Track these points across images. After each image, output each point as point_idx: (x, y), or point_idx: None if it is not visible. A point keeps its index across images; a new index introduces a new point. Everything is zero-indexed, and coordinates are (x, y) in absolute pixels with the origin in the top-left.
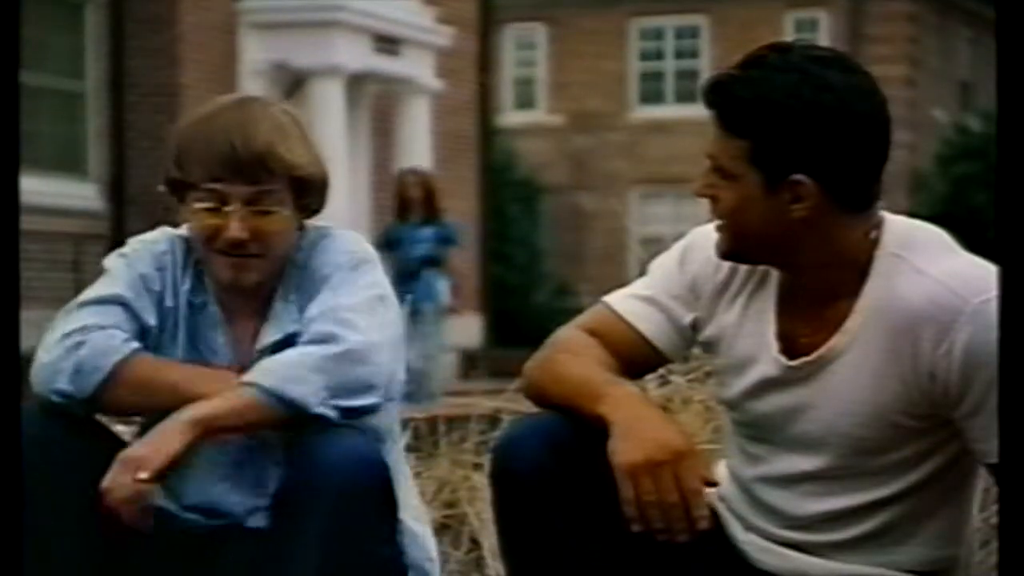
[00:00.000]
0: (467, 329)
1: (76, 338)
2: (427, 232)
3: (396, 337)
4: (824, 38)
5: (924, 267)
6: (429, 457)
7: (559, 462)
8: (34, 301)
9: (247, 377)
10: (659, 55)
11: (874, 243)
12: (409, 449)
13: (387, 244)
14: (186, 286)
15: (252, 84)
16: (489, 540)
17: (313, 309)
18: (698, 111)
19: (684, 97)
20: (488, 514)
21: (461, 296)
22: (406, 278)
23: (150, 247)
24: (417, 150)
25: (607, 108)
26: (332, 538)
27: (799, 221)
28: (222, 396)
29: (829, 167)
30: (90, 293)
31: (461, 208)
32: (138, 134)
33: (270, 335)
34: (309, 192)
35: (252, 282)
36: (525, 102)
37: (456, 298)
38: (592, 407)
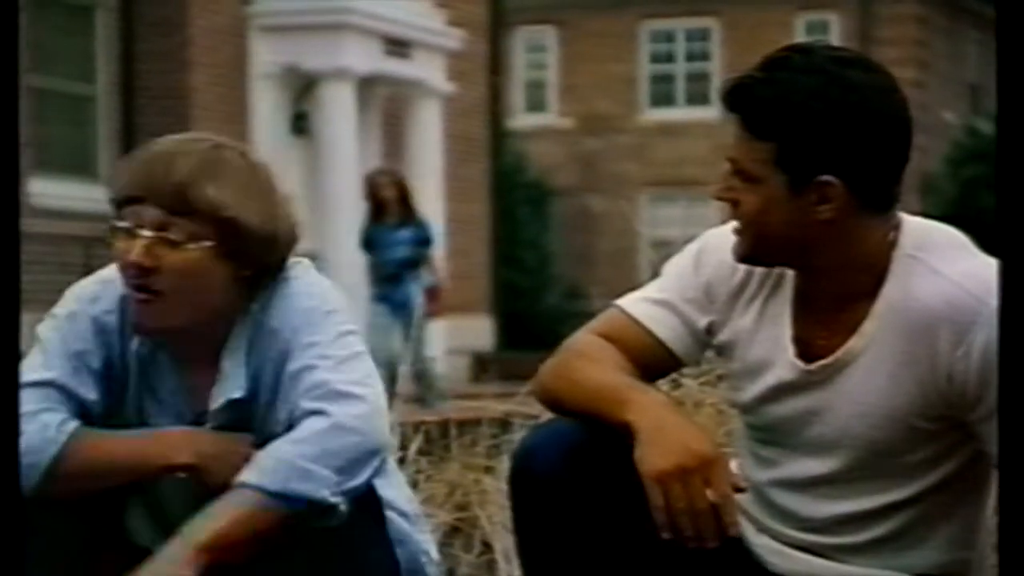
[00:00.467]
0: (478, 332)
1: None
2: (404, 234)
3: (377, 381)
4: (834, 40)
5: (941, 268)
6: (440, 461)
7: (578, 467)
8: (44, 304)
9: (246, 478)
10: (669, 58)
11: (892, 244)
12: (420, 452)
13: (366, 246)
14: (133, 343)
15: (262, 87)
16: (501, 543)
17: (290, 386)
18: (708, 113)
19: (694, 100)
20: (499, 517)
21: (440, 298)
22: (386, 281)
23: (88, 309)
24: (427, 153)
25: (617, 111)
26: (320, 545)
27: (824, 223)
28: (223, 510)
29: (856, 167)
30: (23, 373)
31: (471, 211)
32: (148, 137)
33: (215, 397)
34: (241, 240)
35: (156, 325)
36: (535, 105)
37: (435, 301)
38: (616, 413)
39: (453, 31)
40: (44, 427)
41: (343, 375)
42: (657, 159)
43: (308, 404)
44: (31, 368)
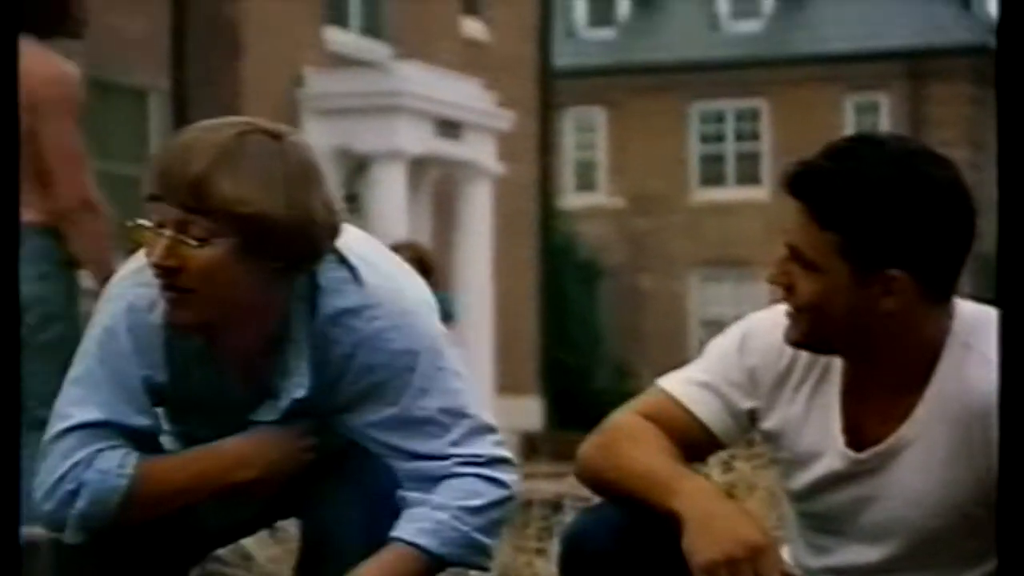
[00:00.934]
0: (527, 411)
1: (68, 486)
2: None
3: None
4: (884, 121)
5: (993, 356)
6: None
7: (628, 552)
8: None
9: (415, 538)
10: (719, 137)
11: (945, 331)
12: None
13: None
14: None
15: None
16: None
17: (403, 425)
18: (758, 193)
19: (744, 179)
20: None
21: None
22: None
23: (123, 323)
24: (478, 232)
25: (667, 190)
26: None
27: (885, 314)
28: (390, 570)
29: (922, 260)
30: (69, 412)
31: (521, 290)
32: None
33: (280, 392)
34: (266, 234)
35: (188, 322)
36: (585, 184)
37: None
38: (663, 501)
39: (503, 112)
40: (104, 475)
41: (491, 436)
42: (707, 238)
43: (474, 469)
44: (75, 405)
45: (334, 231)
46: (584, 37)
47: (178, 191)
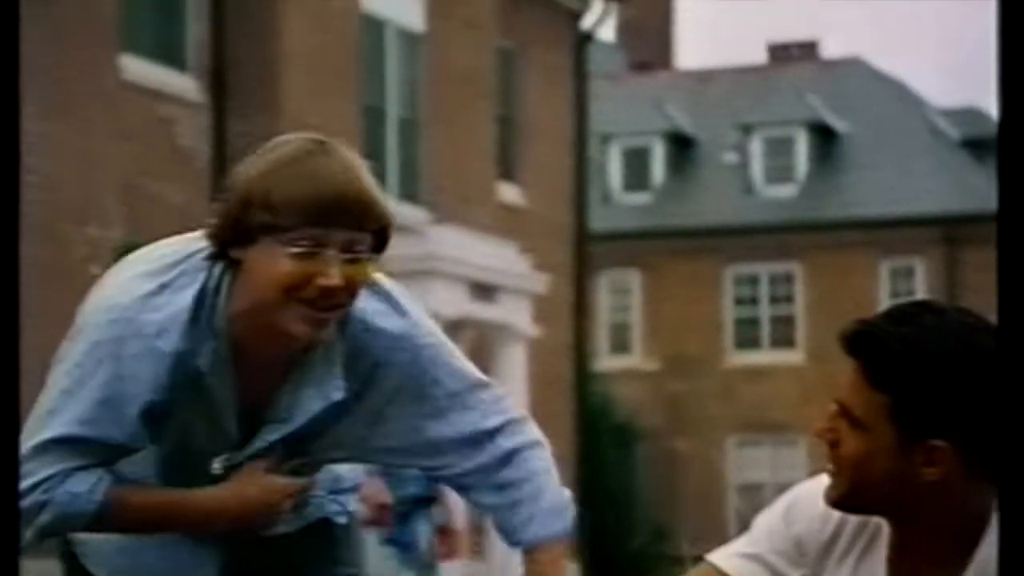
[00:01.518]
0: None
1: (38, 496)
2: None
3: None
4: (920, 286)
5: None
6: None
7: None
8: None
9: (553, 531)
10: (754, 300)
11: (990, 504)
12: None
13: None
14: (206, 348)
15: None
16: None
17: (449, 403)
18: (793, 357)
19: (779, 343)
20: None
21: (455, 540)
22: (393, 520)
23: (140, 345)
24: (513, 393)
25: (702, 353)
26: None
27: (927, 483)
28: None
29: (969, 435)
30: (51, 422)
31: (556, 452)
32: None
33: (309, 399)
34: (385, 245)
35: (326, 339)
36: (620, 347)
37: (448, 542)
38: None
39: (538, 275)
40: (73, 497)
41: (507, 400)
42: (742, 402)
43: (526, 435)
44: (59, 415)
45: None
46: (619, 201)
47: (354, 212)
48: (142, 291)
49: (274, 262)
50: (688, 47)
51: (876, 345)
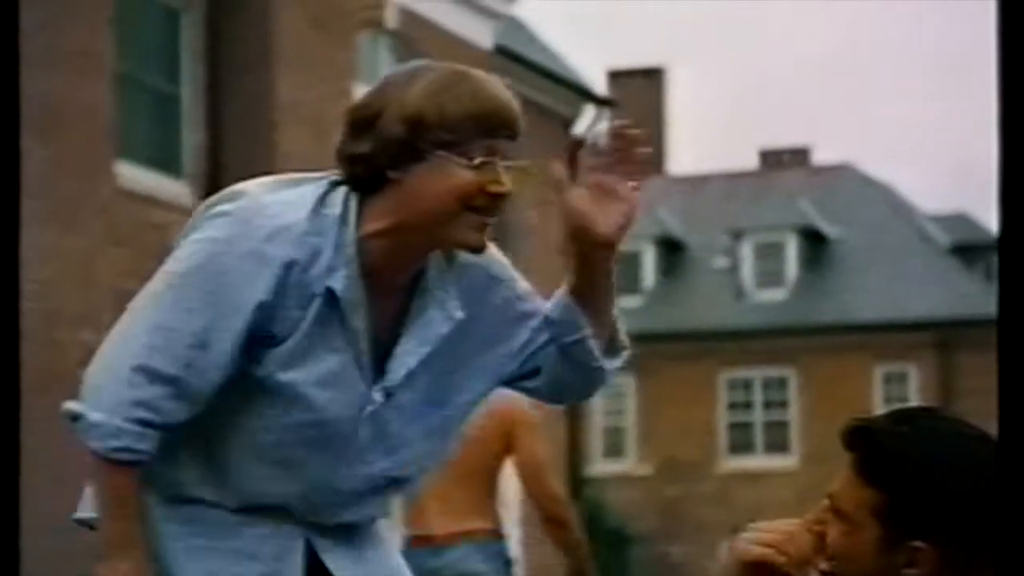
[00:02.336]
0: None
1: (131, 416)
2: None
3: None
4: (913, 392)
5: None
6: None
7: None
8: None
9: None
10: (747, 405)
11: None
12: None
13: None
14: (337, 280)
15: None
16: None
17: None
18: (787, 461)
19: (773, 447)
20: None
21: None
22: None
23: (290, 276)
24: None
25: (696, 457)
26: None
27: None
28: None
29: (953, 541)
30: (152, 349)
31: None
32: None
33: (436, 322)
34: None
35: (485, 245)
36: (614, 451)
37: None
38: None
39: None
40: (118, 438)
41: None
42: (737, 507)
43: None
44: (157, 347)
45: None
46: None
47: (516, 123)
48: (261, 199)
49: (450, 175)
50: (680, 153)
51: (871, 441)
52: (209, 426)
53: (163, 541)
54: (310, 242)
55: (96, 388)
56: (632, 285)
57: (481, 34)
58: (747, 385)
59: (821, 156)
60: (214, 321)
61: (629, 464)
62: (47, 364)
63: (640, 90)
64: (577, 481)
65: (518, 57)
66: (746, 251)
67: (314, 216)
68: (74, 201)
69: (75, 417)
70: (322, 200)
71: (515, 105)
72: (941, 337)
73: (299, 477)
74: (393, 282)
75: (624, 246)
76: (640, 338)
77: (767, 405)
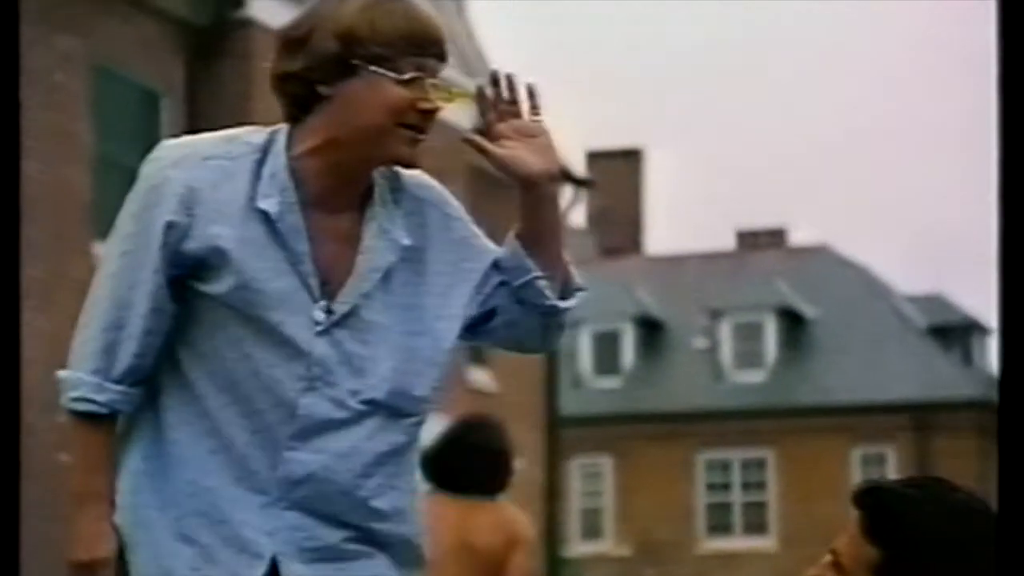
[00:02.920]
0: None
1: (87, 367)
2: None
3: None
4: (891, 474)
5: None
6: None
7: None
8: None
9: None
10: (726, 486)
11: None
12: None
13: None
14: (270, 202)
15: None
16: None
17: (474, 249)
18: (765, 543)
19: (751, 529)
20: None
21: None
22: None
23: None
24: None
25: (674, 539)
26: None
27: None
28: None
29: None
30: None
31: None
32: None
33: (384, 250)
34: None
35: (417, 161)
36: (592, 532)
37: None
38: None
39: None
40: (92, 387)
41: None
42: None
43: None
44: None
45: None
46: (590, 385)
47: (442, 43)
48: (172, 155)
49: (380, 90)
50: (657, 232)
51: (878, 501)
52: (183, 380)
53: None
54: (217, 164)
55: (70, 354)
56: (611, 365)
57: (460, 115)
58: (725, 466)
59: (797, 237)
60: (138, 257)
61: (607, 545)
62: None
63: (618, 170)
64: (555, 562)
65: None
66: (725, 331)
67: (223, 143)
68: (48, 282)
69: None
70: (242, 135)
71: (442, 27)
72: (919, 419)
73: (264, 404)
74: (336, 206)
75: (603, 325)
76: (618, 418)
77: (745, 486)
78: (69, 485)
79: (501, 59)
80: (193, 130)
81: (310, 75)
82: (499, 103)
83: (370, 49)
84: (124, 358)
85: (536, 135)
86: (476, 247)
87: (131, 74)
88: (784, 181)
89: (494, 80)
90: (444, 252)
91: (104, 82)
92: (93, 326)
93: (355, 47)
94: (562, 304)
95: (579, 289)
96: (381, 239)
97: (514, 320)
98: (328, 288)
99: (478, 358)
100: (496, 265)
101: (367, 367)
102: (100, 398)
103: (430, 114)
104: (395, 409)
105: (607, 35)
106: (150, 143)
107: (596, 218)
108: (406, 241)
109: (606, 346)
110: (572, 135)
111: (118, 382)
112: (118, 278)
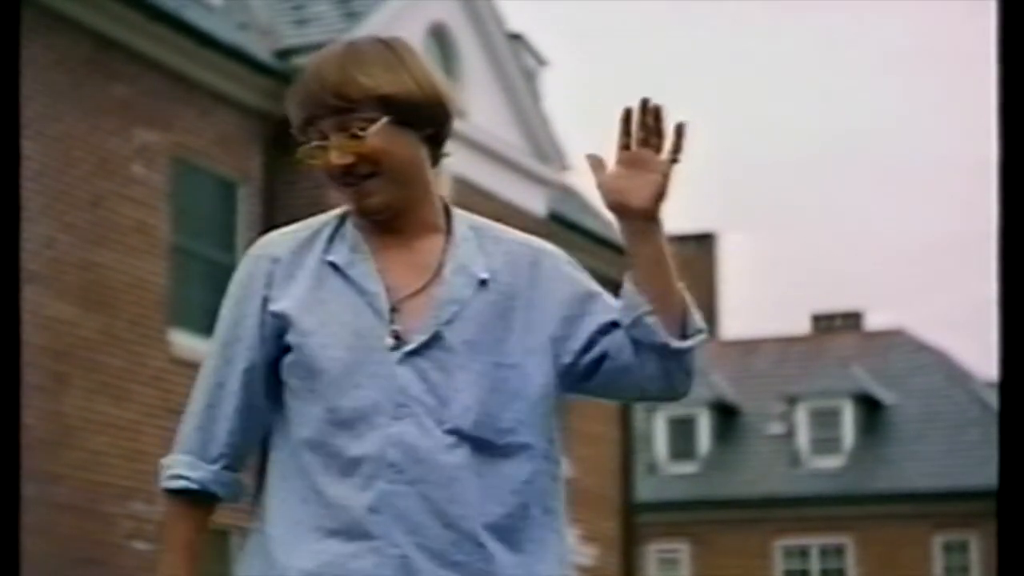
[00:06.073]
0: None
1: (183, 448)
2: None
3: None
4: (975, 562)
5: None
6: None
7: None
8: None
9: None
10: (804, 574)
11: None
12: None
13: None
14: (332, 252)
15: None
16: None
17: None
18: None
19: None
20: None
21: None
22: None
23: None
24: None
25: None
26: None
27: None
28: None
29: None
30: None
31: None
32: None
33: (461, 285)
34: (408, 111)
35: (379, 204)
36: None
37: None
38: None
39: (585, 548)
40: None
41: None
42: None
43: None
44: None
45: (453, 114)
46: (665, 471)
47: (332, 98)
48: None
49: (310, 159)
50: (731, 318)
51: None
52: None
53: None
54: (297, 236)
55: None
56: (687, 451)
57: (535, 201)
58: (804, 553)
59: (874, 320)
60: (233, 333)
61: None
62: (94, 536)
63: (691, 255)
64: None
65: (571, 224)
66: (801, 417)
67: (309, 220)
68: (126, 372)
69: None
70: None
71: (339, 76)
72: None
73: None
74: (397, 242)
75: (678, 411)
76: (695, 505)
77: (824, 573)
78: (157, 569)
79: (574, 141)
80: (269, 220)
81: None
82: (639, 130)
83: (295, 124)
84: (219, 436)
85: (653, 171)
86: (573, 290)
87: (209, 165)
88: (859, 264)
89: (643, 106)
90: (536, 291)
91: (182, 173)
92: (191, 410)
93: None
94: (675, 343)
95: (700, 331)
96: (460, 274)
97: (627, 365)
98: (402, 318)
99: None
100: (615, 322)
101: (450, 397)
102: (195, 475)
103: (345, 169)
104: (481, 440)
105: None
106: (227, 233)
107: None
108: (484, 275)
109: (682, 431)
110: None
111: (213, 462)
112: (215, 360)
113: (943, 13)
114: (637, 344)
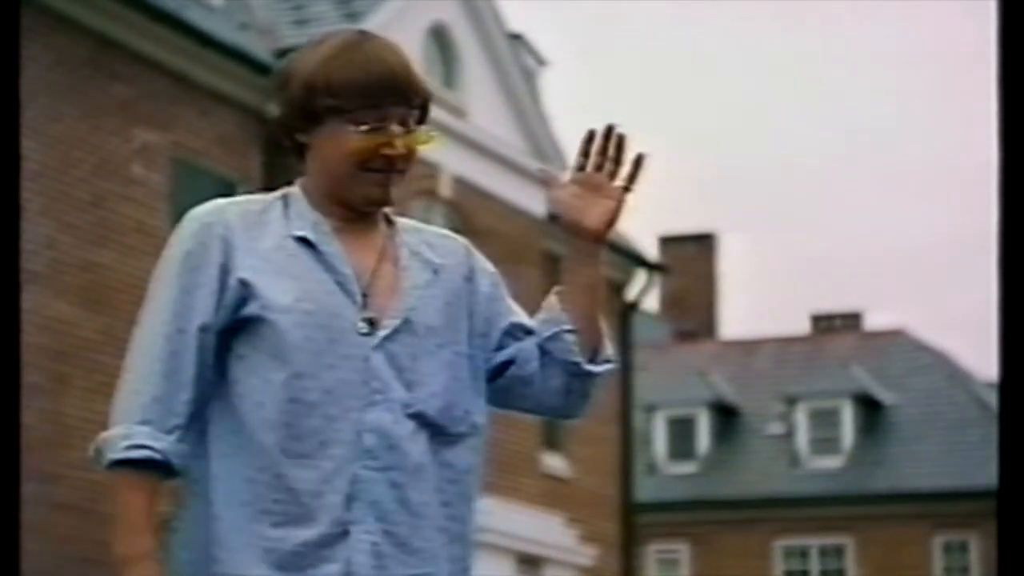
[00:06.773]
0: None
1: (138, 418)
2: None
3: None
4: (974, 561)
5: None
6: None
7: None
8: None
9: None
10: (804, 573)
11: None
12: None
13: None
14: (293, 230)
15: None
16: None
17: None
18: None
19: None
20: None
21: None
22: None
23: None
24: None
25: None
26: None
27: None
28: None
29: None
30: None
31: None
32: None
33: (417, 270)
34: (427, 116)
35: (389, 198)
36: None
37: None
38: None
39: (585, 548)
40: (131, 447)
41: None
42: None
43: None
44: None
45: None
46: (665, 471)
47: (405, 89)
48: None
49: (341, 140)
50: (731, 317)
51: None
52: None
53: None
54: (245, 207)
55: (111, 416)
56: (686, 451)
57: (534, 201)
58: (803, 553)
59: (873, 321)
60: (186, 303)
61: None
62: (94, 536)
63: (691, 255)
64: None
65: None
66: (800, 417)
67: (247, 199)
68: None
69: (97, 454)
70: (261, 195)
71: (406, 71)
72: None
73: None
74: (360, 229)
75: (677, 411)
76: (695, 505)
77: (824, 574)
78: (115, 549)
79: (575, 141)
80: None
81: (287, 123)
82: (597, 154)
83: (326, 101)
84: (177, 407)
85: (607, 196)
86: (498, 293)
87: (208, 165)
88: (858, 264)
89: (606, 133)
90: (474, 286)
91: (182, 173)
92: (140, 379)
93: (315, 98)
94: (587, 366)
95: (609, 361)
96: (414, 259)
97: (531, 376)
98: (372, 302)
99: (552, 444)
100: (521, 326)
101: (417, 382)
102: (157, 445)
103: (396, 158)
104: (437, 427)
105: (678, 122)
106: None
107: (669, 303)
108: (439, 261)
109: (681, 432)
110: (645, 220)
111: (169, 432)
112: (166, 327)
113: (943, 13)
114: (547, 357)
